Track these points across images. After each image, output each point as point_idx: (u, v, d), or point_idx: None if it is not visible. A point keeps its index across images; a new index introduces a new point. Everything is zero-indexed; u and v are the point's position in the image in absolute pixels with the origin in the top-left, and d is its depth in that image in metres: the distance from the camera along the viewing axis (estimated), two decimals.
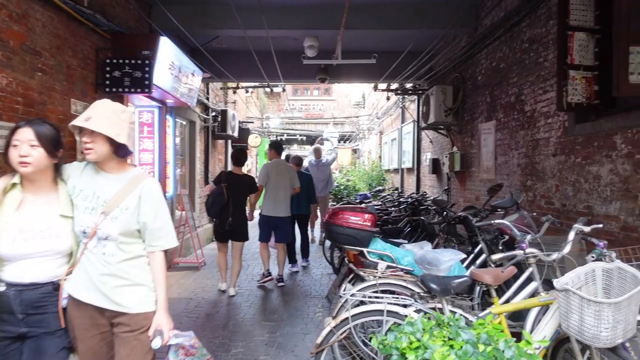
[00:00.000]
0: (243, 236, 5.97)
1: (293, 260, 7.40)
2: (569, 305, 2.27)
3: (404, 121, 11.91)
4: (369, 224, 3.75)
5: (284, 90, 9.47)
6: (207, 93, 10.09)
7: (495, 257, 2.52)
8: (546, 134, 4.87)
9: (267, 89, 21.68)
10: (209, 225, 10.43)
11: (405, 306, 2.60)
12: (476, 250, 4.21)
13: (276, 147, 7.07)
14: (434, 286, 2.47)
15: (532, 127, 5.15)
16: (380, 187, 11.70)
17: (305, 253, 7.86)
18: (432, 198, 7.47)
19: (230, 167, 7.55)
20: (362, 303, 2.68)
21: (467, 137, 7.24)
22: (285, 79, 9.08)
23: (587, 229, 2.63)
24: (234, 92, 10.34)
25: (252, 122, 14.55)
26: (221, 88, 10.84)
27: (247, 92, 9.69)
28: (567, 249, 2.55)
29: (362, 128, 18.68)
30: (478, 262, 4.07)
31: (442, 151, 8.59)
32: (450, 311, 2.58)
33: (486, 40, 6.39)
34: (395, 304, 2.53)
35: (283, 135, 22.47)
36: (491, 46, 6.32)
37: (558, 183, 4.61)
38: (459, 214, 4.67)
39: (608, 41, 4.13)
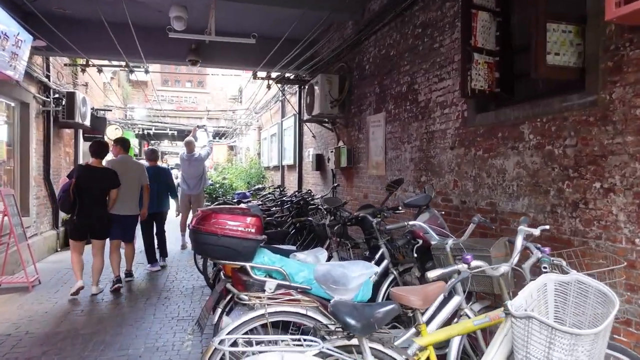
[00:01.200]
0: (103, 234, 5.71)
1: (153, 260, 7.04)
2: (529, 335, 1.68)
3: (285, 115, 11.24)
4: (253, 230, 2.88)
5: (147, 72, 7.98)
6: (47, 70, 8.21)
7: (432, 274, 1.86)
8: (443, 125, 4.50)
9: (131, 76, 19.40)
10: (51, 232, 8.55)
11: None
12: (377, 256, 3.60)
13: (121, 142, 6.55)
14: (352, 322, 1.71)
15: (427, 119, 4.77)
16: (260, 185, 10.86)
17: (163, 252, 7.48)
18: (322, 196, 6.88)
19: (87, 161, 6.64)
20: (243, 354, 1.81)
21: (354, 131, 6.78)
22: (149, 58, 7.73)
23: (536, 231, 2.11)
24: (83, 71, 8.59)
25: (111, 111, 12.59)
26: (66, 64, 8.95)
27: (100, 72, 8.04)
28: (516, 259, 1.99)
29: (239, 123, 17.62)
30: (380, 270, 3.46)
31: (326, 146, 8.07)
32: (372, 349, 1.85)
33: (374, 26, 5.95)
34: (295, 350, 1.71)
35: (151, 129, 20.32)
36: (380, 32, 5.90)
37: (457, 178, 4.26)
38: (356, 213, 4.06)
39: (507, 26, 3.90)
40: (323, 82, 6.85)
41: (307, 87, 7.47)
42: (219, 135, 20.71)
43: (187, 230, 8.66)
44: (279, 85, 8.78)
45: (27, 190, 7.53)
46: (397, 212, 3.81)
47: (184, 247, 8.68)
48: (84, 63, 8.47)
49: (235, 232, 2.84)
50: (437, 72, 4.59)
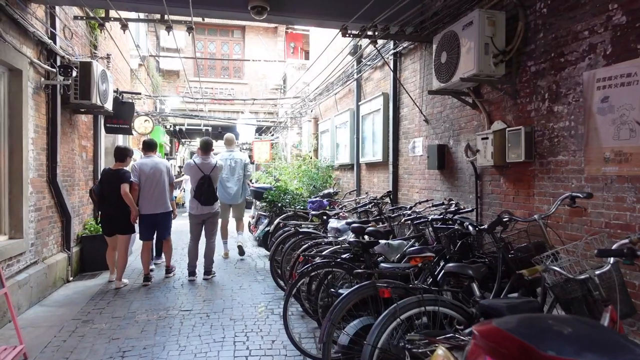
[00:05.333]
0: (126, 230, 6.14)
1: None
2: None
3: (362, 97, 8.58)
4: None
5: (190, 29, 5.41)
6: (52, 26, 5.77)
7: None
8: None
9: (161, 64, 17.15)
10: (60, 256, 6.13)
11: None
12: None
13: (147, 144, 6.57)
14: None
15: None
16: (331, 190, 8.25)
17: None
18: (458, 209, 4.28)
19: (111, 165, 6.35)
20: None
21: (537, 102, 4.06)
22: (198, 6, 5.20)
23: None
24: (101, 27, 6.10)
25: (139, 95, 10.19)
26: (77, 17, 6.45)
27: (125, 28, 5.54)
28: None
29: (286, 115, 15.09)
30: None
31: (455, 133, 5.38)
32: None
33: None
34: None
35: (183, 125, 18.02)
36: None
37: None
38: None
39: None
40: (481, 23, 4.17)
41: (440, 39, 4.80)
42: (260, 130, 18.25)
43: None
44: (377, 45, 6.15)
45: (19, 200, 5.10)
46: None
47: (226, 255, 7.84)
48: (103, 17, 5.98)
49: None
50: None
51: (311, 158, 10.94)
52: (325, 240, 4.70)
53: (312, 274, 3.70)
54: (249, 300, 5.30)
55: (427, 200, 5.10)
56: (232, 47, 20.01)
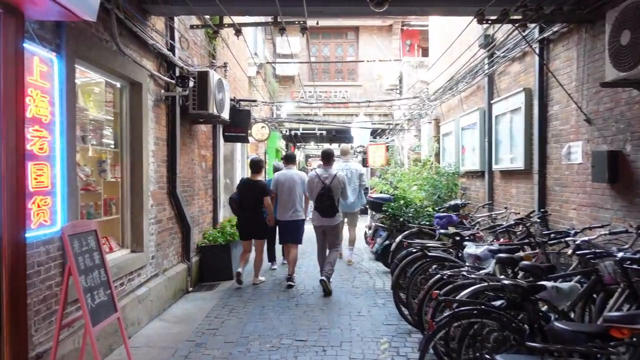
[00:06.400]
0: (260, 235, 6.78)
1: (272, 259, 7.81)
2: None
3: (496, 95, 7.45)
4: None
5: (303, 30, 4.93)
6: (171, 38, 5.75)
7: None
8: None
9: (277, 70, 17.43)
10: (180, 267, 6.10)
11: None
12: None
13: (286, 157, 7.55)
14: None
15: None
16: (459, 201, 7.27)
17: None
18: None
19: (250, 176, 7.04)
20: None
21: None
22: (312, 2, 4.71)
23: None
24: (215, 34, 5.94)
25: (256, 102, 10.19)
26: (193, 26, 6.38)
27: (238, 33, 5.26)
28: None
29: (403, 117, 14.22)
30: None
31: (632, 137, 4.15)
32: None
33: None
34: None
35: (298, 129, 18.12)
36: None
37: None
38: None
39: None
40: None
41: (618, 15, 3.67)
42: (374, 133, 17.61)
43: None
44: (524, 30, 5.11)
45: (140, 213, 5.08)
46: None
47: (340, 256, 7.94)
48: (217, 24, 5.82)
49: None
50: None
51: (432, 163, 9.97)
52: (462, 270, 3.86)
53: (454, 324, 2.92)
54: (370, 332, 4.65)
55: (602, 226, 3.96)
56: (345, 49, 19.69)
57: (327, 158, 6.64)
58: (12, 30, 2.81)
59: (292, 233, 6.77)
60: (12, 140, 2.86)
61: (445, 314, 2.93)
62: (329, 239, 6.50)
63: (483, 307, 2.87)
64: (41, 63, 3.25)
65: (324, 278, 6.17)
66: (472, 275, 3.50)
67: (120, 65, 4.52)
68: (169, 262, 5.98)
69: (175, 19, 5.76)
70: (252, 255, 6.93)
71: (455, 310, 2.88)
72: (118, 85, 4.86)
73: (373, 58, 17.50)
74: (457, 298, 3.18)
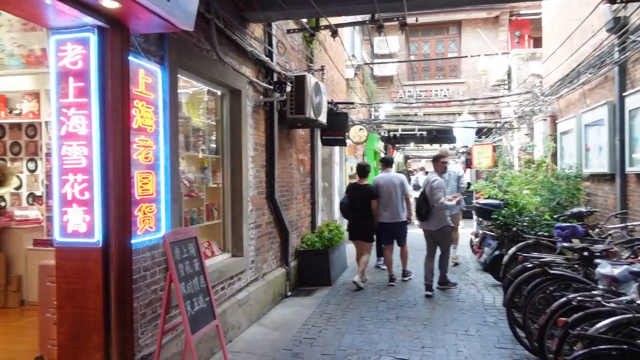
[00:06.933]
0: (367, 237, 7.05)
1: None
2: None
3: (630, 86, 6.42)
4: None
5: (402, 26, 4.58)
6: (269, 43, 5.78)
7: None
8: None
9: (375, 71, 17.13)
10: (279, 271, 6.12)
11: None
12: None
13: (384, 161, 7.77)
14: None
15: None
16: (583, 209, 6.38)
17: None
18: None
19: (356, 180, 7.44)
20: None
21: None
22: None
23: None
24: (311, 37, 5.85)
25: (353, 105, 10.00)
26: (290, 31, 6.34)
27: (334, 34, 5.10)
28: None
29: (513, 114, 13.09)
30: None
31: None
32: None
33: None
34: None
35: (397, 131, 17.64)
36: None
37: None
38: None
39: None
40: None
41: None
42: (479, 133, 16.49)
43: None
44: None
45: (239, 218, 5.15)
46: None
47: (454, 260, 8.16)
48: (314, 26, 5.72)
49: None
50: None
51: (548, 165, 8.97)
52: (596, 294, 3.26)
53: None
54: (480, 356, 4.17)
55: None
56: (447, 45, 18.76)
57: (436, 159, 6.78)
58: (118, 45, 2.92)
59: (393, 235, 7.09)
60: (119, 150, 2.97)
61: (577, 353, 2.43)
62: (437, 242, 6.53)
63: (629, 347, 2.33)
64: (146, 75, 3.37)
65: (441, 287, 6.53)
66: (611, 303, 2.91)
67: (220, 73, 4.60)
68: (268, 267, 6.02)
69: (273, 24, 5.78)
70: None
71: (592, 348, 2.38)
72: (219, 93, 4.98)
73: (477, 53, 16.41)
74: (592, 331, 2.65)
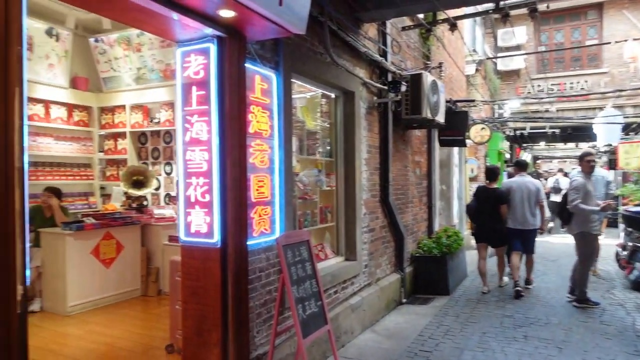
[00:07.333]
0: (497, 243, 6.78)
1: None
2: None
3: None
4: None
5: (533, 12, 4.08)
6: (384, 43, 5.63)
7: None
8: None
9: (499, 65, 15.91)
10: (393, 277, 5.93)
11: None
12: None
13: (517, 164, 7.30)
14: None
15: None
16: None
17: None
18: None
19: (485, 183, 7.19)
20: None
21: None
22: None
23: None
24: (427, 32, 5.55)
25: (474, 102, 9.37)
26: (405, 28, 6.09)
27: (453, 28, 4.78)
28: None
29: None
30: None
31: None
32: None
33: None
34: None
35: (524, 129, 16.18)
36: None
37: None
38: None
39: None
40: None
41: None
42: (626, 129, 14.38)
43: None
44: None
45: (353, 221, 5.08)
46: None
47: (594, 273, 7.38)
48: (430, 21, 5.43)
49: None
50: None
51: None
52: None
53: None
54: None
55: None
56: (584, 32, 16.69)
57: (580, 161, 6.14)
58: (235, 53, 3.03)
59: (522, 242, 6.71)
60: (236, 154, 3.07)
61: None
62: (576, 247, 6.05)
63: None
64: (262, 81, 3.46)
65: (569, 298, 6.10)
66: None
67: (333, 76, 4.58)
68: (382, 272, 5.86)
69: (387, 23, 5.63)
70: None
71: None
72: (332, 95, 4.97)
73: (623, 38, 14.31)
74: None
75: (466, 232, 10.04)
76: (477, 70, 12.14)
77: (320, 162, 4.92)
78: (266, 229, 3.52)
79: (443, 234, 7.33)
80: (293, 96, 4.01)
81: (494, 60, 15.44)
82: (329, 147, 5.08)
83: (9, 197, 1.80)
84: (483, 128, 10.32)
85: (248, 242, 3.23)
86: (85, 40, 6.78)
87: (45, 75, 6.36)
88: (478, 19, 12.73)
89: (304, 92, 4.67)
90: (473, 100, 9.09)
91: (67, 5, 4.94)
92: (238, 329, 3.14)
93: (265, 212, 3.51)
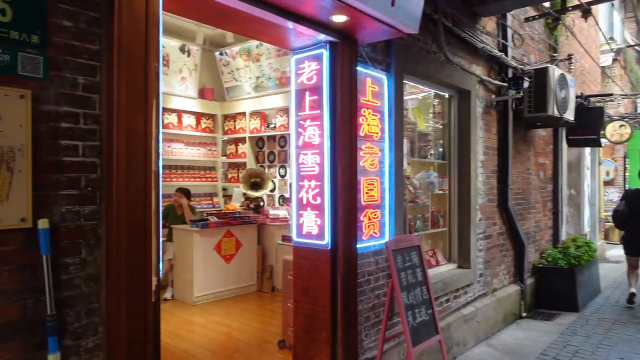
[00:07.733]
0: None
1: None
2: None
3: None
4: None
5: None
6: (504, 37, 5.25)
7: None
8: None
9: None
10: (512, 288, 5.51)
11: None
12: None
13: None
14: None
15: None
16: None
17: None
18: None
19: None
20: None
21: None
22: None
23: None
24: (554, 22, 5.05)
25: (612, 100, 8.31)
26: (529, 19, 5.60)
27: (586, 15, 4.28)
28: None
29: None
30: None
31: None
32: None
33: None
34: None
35: None
36: None
37: None
38: None
39: None
40: None
41: None
42: None
43: None
44: None
45: (467, 227, 4.82)
46: None
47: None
48: (558, 9, 4.94)
49: None
50: None
51: None
52: None
53: None
54: None
55: None
56: None
57: None
58: (347, 57, 3.06)
59: None
60: (346, 158, 3.10)
61: None
62: None
63: None
64: (373, 83, 3.44)
65: None
66: None
67: (447, 75, 4.40)
68: (499, 282, 5.47)
69: (507, 15, 5.25)
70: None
71: None
72: (446, 95, 4.78)
73: None
74: None
75: (599, 243, 8.97)
76: (615, 60, 10.78)
77: (433, 165, 4.76)
78: (375, 233, 3.49)
79: (571, 244, 6.61)
80: (404, 97, 3.94)
81: (636, 48, 13.56)
82: (441, 149, 4.89)
83: (147, 198, 2.02)
84: (622, 125, 9.12)
85: (357, 245, 3.23)
86: (211, 54, 7.42)
87: (179, 87, 7.08)
88: (616, 2, 11.32)
89: (416, 92, 4.56)
90: (610, 94, 8.07)
91: (197, 22, 5.45)
92: (346, 330, 3.16)
93: (375, 215, 3.49)
